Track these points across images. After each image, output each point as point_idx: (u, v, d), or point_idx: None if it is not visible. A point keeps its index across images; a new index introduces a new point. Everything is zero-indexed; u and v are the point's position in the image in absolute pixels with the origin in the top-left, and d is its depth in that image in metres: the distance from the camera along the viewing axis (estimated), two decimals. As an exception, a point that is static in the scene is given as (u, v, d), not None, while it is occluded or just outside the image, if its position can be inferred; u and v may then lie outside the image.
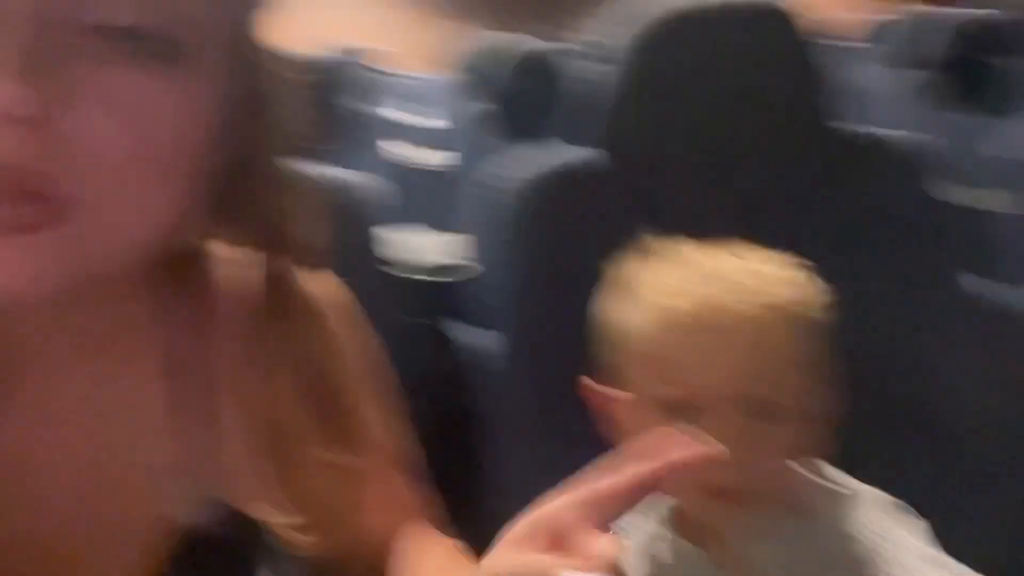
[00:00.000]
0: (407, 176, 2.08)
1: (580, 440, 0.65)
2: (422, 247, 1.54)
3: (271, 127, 0.41)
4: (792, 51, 0.76)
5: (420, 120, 2.83)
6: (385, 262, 1.42)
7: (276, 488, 0.44)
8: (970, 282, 0.78)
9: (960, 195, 1.11)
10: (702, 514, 0.53)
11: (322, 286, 0.48)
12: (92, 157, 0.33)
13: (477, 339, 0.74)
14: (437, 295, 1.16)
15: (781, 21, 0.75)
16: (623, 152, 0.74)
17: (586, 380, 0.57)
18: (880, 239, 0.76)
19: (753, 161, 0.76)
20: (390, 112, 3.02)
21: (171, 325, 0.44)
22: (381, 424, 0.54)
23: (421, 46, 6.11)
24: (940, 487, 0.64)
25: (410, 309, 1.34)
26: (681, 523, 0.55)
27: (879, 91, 1.61)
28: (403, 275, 1.26)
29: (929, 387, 0.73)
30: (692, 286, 0.52)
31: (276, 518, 0.43)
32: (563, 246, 0.71)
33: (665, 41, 0.73)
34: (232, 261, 0.46)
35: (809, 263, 0.54)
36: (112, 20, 0.33)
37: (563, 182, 0.71)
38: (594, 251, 0.71)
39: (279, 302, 0.44)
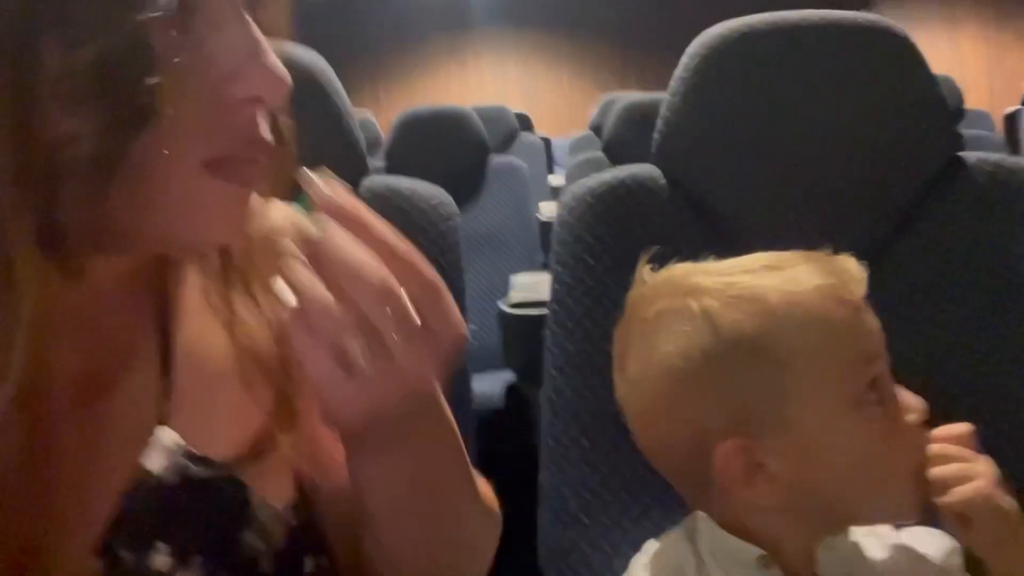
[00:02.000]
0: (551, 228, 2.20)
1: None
2: (540, 289, 1.64)
3: None
4: (903, 68, 0.72)
5: (561, 180, 2.96)
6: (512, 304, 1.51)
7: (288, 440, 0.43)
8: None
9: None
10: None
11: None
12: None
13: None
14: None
15: (892, 38, 0.72)
16: (673, 167, 0.74)
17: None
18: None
19: (844, 183, 0.72)
20: (554, 179, 3.19)
21: (172, 273, 0.44)
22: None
23: (569, 109, 6.36)
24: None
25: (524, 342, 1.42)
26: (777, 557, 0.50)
27: None
28: (509, 311, 1.36)
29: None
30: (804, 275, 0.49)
31: (267, 480, 0.43)
32: (612, 261, 0.69)
33: (724, 56, 0.72)
34: None
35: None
36: None
37: (612, 195, 0.71)
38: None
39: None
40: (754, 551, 0.49)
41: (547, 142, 3.60)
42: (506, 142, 2.91)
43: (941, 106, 0.75)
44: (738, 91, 0.73)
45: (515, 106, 3.83)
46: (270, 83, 0.37)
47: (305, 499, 0.45)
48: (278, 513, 0.43)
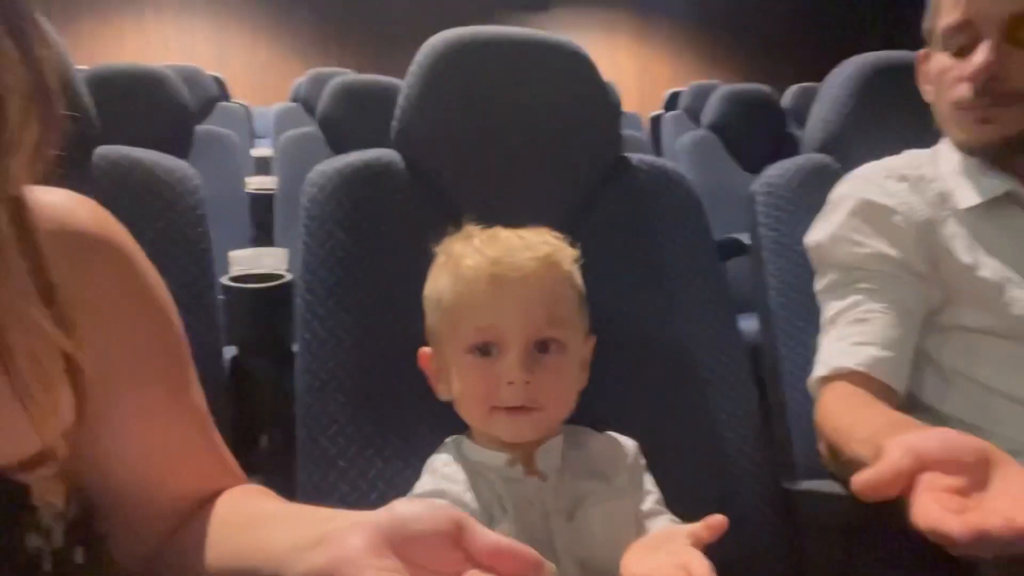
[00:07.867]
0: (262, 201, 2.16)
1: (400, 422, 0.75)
2: (263, 262, 1.64)
3: None
4: (587, 84, 0.90)
5: (265, 151, 2.89)
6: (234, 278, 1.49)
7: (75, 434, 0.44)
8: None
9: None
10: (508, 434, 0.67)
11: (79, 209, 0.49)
12: None
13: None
14: (271, 301, 1.25)
15: (581, 59, 0.90)
16: (411, 152, 0.85)
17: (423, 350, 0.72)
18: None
19: (545, 172, 0.89)
20: (257, 151, 3.07)
21: None
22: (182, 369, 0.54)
23: (265, 78, 6.08)
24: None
25: (252, 316, 1.43)
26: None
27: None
28: (240, 286, 1.36)
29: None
30: (481, 249, 0.67)
31: (47, 480, 0.43)
32: (360, 236, 0.78)
33: (452, 61, 0.85)
34: None
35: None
36: None
37: (359, 176, 0.80)
38: (392, 239, 0.83)
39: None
40: (502, 456, 0.67)
41: (248, 111, 3.45)
42: (205, 109, 2.75)
43: (613, 115, 0.96)
44: (463, 91, 0.86)
45: (206, 69, 3.59)
46: None
47: (77, 495, 0.47)
48: (59, 511, 0.44)
